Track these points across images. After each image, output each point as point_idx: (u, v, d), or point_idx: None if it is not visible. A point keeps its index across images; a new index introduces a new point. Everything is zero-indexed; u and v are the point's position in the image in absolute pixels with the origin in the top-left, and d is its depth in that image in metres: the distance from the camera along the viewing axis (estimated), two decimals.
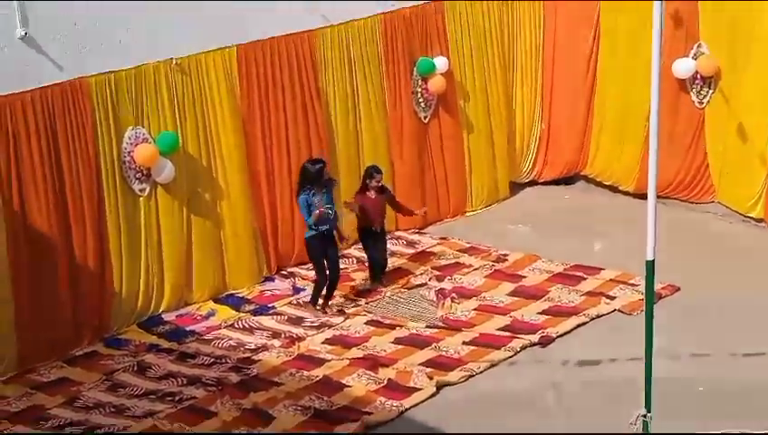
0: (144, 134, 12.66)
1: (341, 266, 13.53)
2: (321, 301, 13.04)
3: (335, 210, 12.88)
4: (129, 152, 12.54)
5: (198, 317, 13.08)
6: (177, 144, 12.85)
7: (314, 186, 12.68)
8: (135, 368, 11.86)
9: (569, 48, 16.33)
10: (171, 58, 12.80)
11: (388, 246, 14.06)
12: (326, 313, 12.98)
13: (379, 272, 13.72)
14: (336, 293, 13.26)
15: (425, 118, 15.40)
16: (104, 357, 12.17)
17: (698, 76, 15.11)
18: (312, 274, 13.45)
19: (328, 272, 12.97)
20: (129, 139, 12.55)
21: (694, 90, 15.25)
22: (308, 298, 13.22)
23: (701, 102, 15.25)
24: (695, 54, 15.07)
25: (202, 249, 13.35)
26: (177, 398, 11.15)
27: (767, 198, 14.71)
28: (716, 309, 12.57)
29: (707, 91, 15.16)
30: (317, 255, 12.92)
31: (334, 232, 13.00)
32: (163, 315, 13.04)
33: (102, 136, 12.35)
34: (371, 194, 13.48)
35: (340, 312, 13.03)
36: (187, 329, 12.78)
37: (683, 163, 15.52)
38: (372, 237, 13.60)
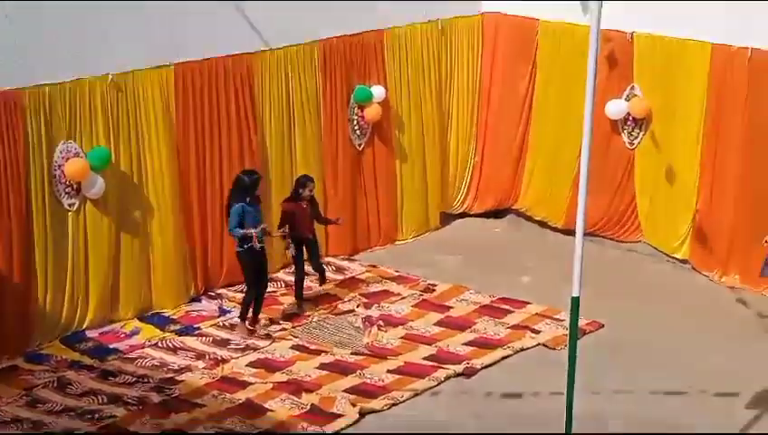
0: (76, 149, 12.56)
1: (269, 290, 13.50)
2: (249, 317, 12.98)
3: (262, 230, 12.82)
4: (59, 166, 12.43)
5: (122, 335, 12.95)
6: (108, 160, 12.75)
7: (247, 197, 12.64)
8: (55, 384, 11.70)
9: (505, 83, 16.50)
10: (107, 74, 12.72)
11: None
12: (254, 330, 12.91)
13: (321, 277, 13.73)
14: (263, 316, 13.21)
15: (359, 146, 15.46)
16: (24, 372, 11.98)
17: (630, 118, 15.33)
18: (240, 296, 13.42)
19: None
20: (61, 153, 12.44)
21: (625, 131, 15.46)
22: (236, 319, 13.14)
23: (632, 144, 15.47)
24: (627, 96, 15.29)
25: (129, 267, 13.24)
26: (96, 416, 11.02)
27: (692, 239, 14.96)
28: (639, 347, 12.72)
29: (638, 133, 15.38)
30: (249, 267, 12.86)
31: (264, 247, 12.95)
32: (86, 332, 12.87)
33: (33, 148, 12.22)
34: (303, 204, 13.43)
35: (267, 336, 12.97)
36: (110, 347, 12.64)
37: (612, 202, 15.72)
38: (306, 246, 13.54)
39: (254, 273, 12.86)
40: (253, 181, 12.71)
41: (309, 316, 13.49)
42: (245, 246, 12.68)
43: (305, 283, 13.78)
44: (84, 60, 12.51)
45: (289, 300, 13.85)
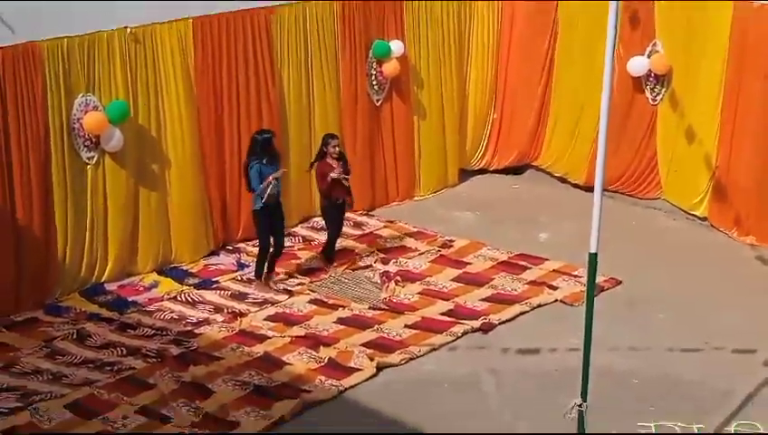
0: (94, 102, 12.55)
1: (287, 244, 13.52)
2: (265, 272, 12.99)
3: (280, 186, 12.79)
4: (78, 119, 12.43)
5: (141, 288, 13.01)
6: (127, 113, 12.75)
7: (264, 156, 12.62)
8: (75, 336, 11.78)
9: (526, 38, 16.38)
10: (126, 27, 12.69)
11: None
12: (270, 286, 12.95)
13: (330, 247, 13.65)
14: (281, 270, 13.24)
15: (377, 101, 15.40)
16: (44, 324, 12.08)
17: (652, 74, 15.23)
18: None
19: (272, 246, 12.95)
20: (80, 106, 12.45)
21: (648, 87, 15.35)
22: (252, 274, 13.16)
23: (654, 100, 15.36)
24: (649, 52, 15.18)
25: (148, 220, 13.28)
26: (115, 368, 11.10)
27: (712, 196, 14.89)
28: (657, 304, 12.70)
29: (660, 90, 15.28)
30: (263, 227, 12.88)
31: (281, 204, 12.91)
32: (105, 285, 12.95)
33: (52, 102, 12.23)
34: (332, 162, 13.35)
35: (286, 290, 13.00)
36: (129, 299, 12.72)
37: (633, 159, 15.63)
38: (336, 210, 13.46)
39: (267, 230, 12.84)
40: (264, 140, 12.67)
41: (327, 271, 13.50)
42: (261, 205, 12.66)
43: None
44: (102, 12, 12.47)
45: (307, 255, 13.86)
